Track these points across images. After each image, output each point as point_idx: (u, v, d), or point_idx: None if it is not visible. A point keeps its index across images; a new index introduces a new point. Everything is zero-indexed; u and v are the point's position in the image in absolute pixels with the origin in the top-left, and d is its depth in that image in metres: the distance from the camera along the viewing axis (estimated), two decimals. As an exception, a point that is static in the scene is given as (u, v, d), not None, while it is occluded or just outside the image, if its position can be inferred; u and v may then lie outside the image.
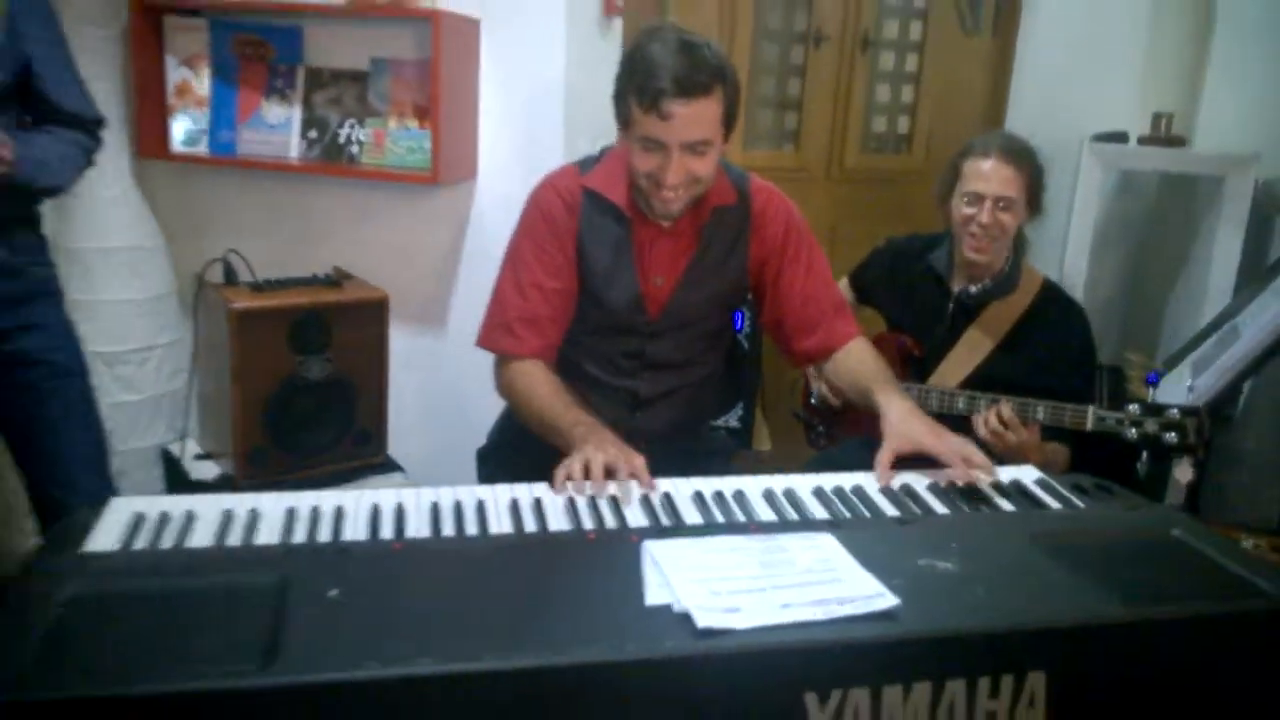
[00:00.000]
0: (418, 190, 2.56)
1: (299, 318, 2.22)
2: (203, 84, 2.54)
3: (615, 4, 2.67)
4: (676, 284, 1.79)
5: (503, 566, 1.16)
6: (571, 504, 1.37)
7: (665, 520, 1.35)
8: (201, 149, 2.56)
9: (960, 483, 1.49)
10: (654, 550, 1.17)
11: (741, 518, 1.37)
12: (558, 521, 1.33)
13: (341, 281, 2.38)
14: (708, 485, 1.46)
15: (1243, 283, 2.61)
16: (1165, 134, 2.72)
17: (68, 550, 1.16)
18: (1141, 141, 2.76)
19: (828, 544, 1.23)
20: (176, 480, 2.45)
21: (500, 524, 1.31)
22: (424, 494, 1.37)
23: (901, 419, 1.59)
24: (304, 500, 1.32)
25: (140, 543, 1.20)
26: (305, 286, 2.32)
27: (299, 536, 1.24)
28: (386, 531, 1.26)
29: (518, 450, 1.88)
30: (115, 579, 1.08)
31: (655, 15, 2.92)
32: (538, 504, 1.36)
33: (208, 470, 2.39)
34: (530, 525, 1.31)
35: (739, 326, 2.21)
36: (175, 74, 2.53)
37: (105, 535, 1.20)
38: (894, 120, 3.28)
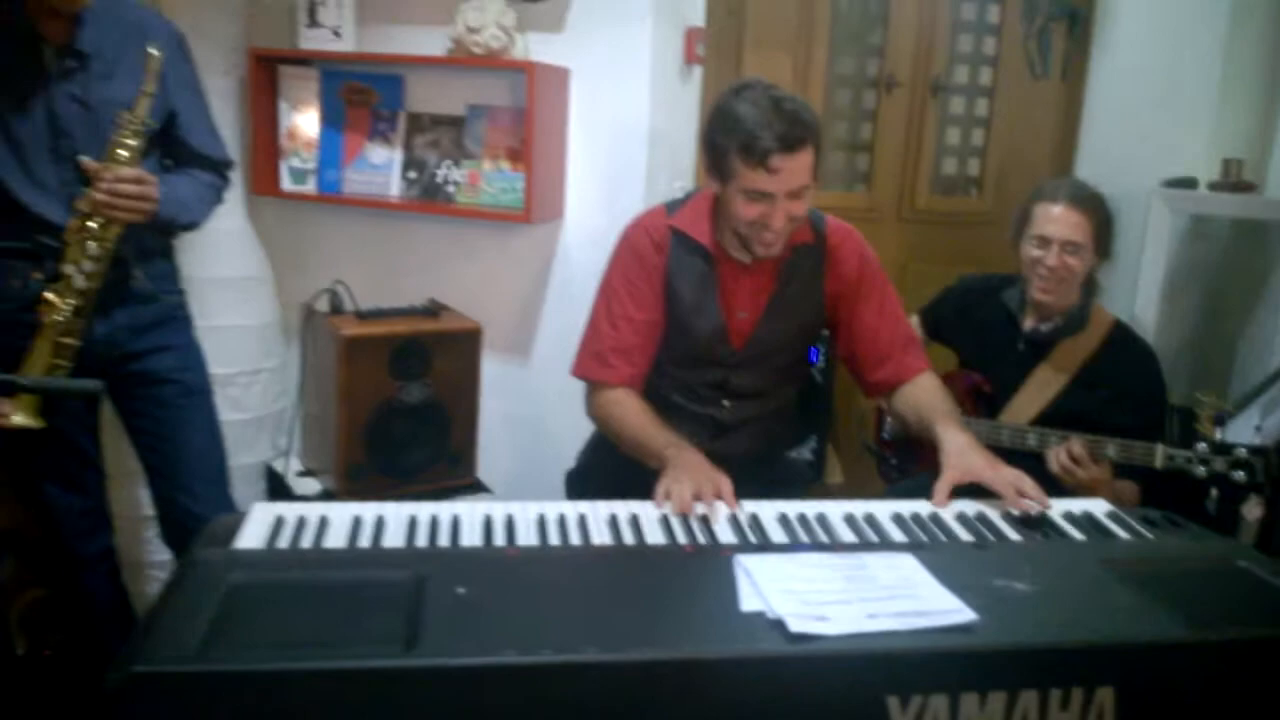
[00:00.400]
0: (509, 227, 2.71)
1: (401, 345, 2.38)
2: (312, 127, 2.73)
3: (695, 53, 2.81)
4: (758, 318, 1.91)
5: (607, 572, 1.28)
6: (666, 520, 1.48)
7: (753, 538, 1.45)
8: (309, 187, 2.74)
9: (1015, 513, 1.57)
10: (746, 563, 1.28)
11: (824, 538, 1.46)
12: (654, 536, 1.44)
13: (438, 312, 2.53)
14: (791, 508, 1.56)
15: (1313, 327, 2.64)
16: (1235, 180, 2.77)
17: (221, 547, 1.29)
18: (1211, 188, 2.81)
19: (908, 564, 1.32)
20: (279, 494, 2.60)
21: (601, 536, 1.42)
22: (530, 507, 1.49)
23: (960, 451, 1.68)
24: (423, 510, 1.45)
25: (282, 542, 1.34)
26: (405, 316, 2.47)
27: (421, 541, 1.37)
28: (499, 539, 1.39)
29: (606, 473, 2.01)
30: (267, 571, 1.21)
31: (733, 64, 3.06)
32: (634, 519, 1.48)
33: (309, 486, 2.54)
34: (629, 538, 1.42)
35: (814, 360, 2.31)
36: (287, 118, 2.72)
37: (252, 535, 1.34)
38: (964, 163, 3.37)
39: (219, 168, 2.09)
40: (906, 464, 2.56)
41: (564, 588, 1.23)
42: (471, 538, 1.39)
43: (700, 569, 1.30)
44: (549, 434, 2.70)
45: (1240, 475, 1.85)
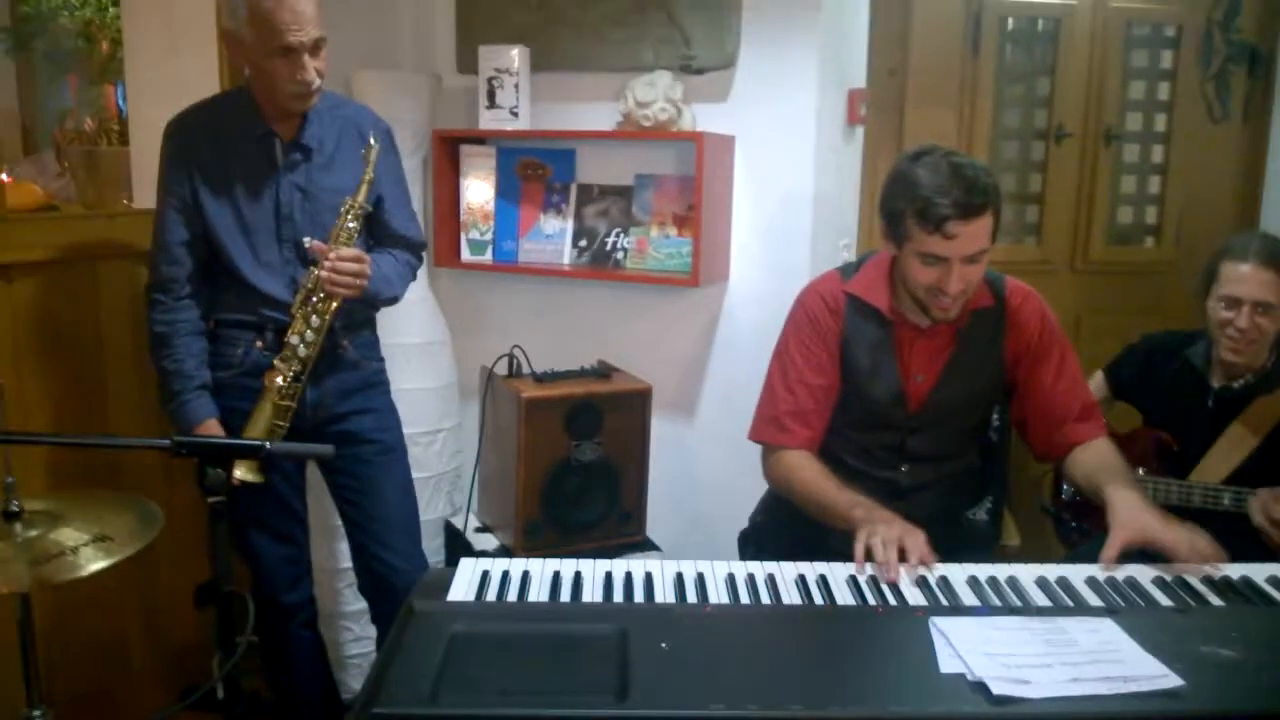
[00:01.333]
0: (675, 291, 2.79)
1: (575, 406, 2.47)
2: (490, 201, 2.90)
3: (858, 114, 2.85)
4: (936, 381, 1.91)
5: (802, 631, 1.31)
6: (854, 581, 1.50)
7: (944, 600, 1.45)
8: (486, 258, 2.91)
9: (1215, 577, 1.51)
10: (942, 625, 1.28)
11: (1017, 601, 1.45)
12: (843, 596, 1.46)
13: (609, 374, 2.63)
14: (981, 570, 1.55)
15: None
16: None
17: (437, 599, 1.39)
18: None
19: (1108, 628, 1.29)
20: (458, 549, 2.73)
21: (791, 595, 1.45)
22: (718, 566, 1.53)
23: (1130, 509, 1.63)
24: (618, 566, 1.51)
25: (489, 595, 1.42)
26: (578, 378, 2.57)
27: (618, 596, 1.43)
28: (691, 596, 1.43)
29: (780, 532, 2.03)
30: (483, 623, 1.29)
31: (896, 122, 3.08)
32: (822, 580, 1.50)
33: (487, 542, 2.66)
34: (819, 598, 1.45)
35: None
36: (467, 194, 2.90)
37: (461, 587, 1.44)
38: (1140, 211, 3.27)
39: (415, 248, 2.25)
40: (1086, 526, 2.48)
41: (762, 645, 1.26)
42: (665, 594, 1.44)
43: (894, 630, 1.31)
44: (715, 493, 2.74)
45: None
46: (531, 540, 2.49)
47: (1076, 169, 3.19)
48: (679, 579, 1.48)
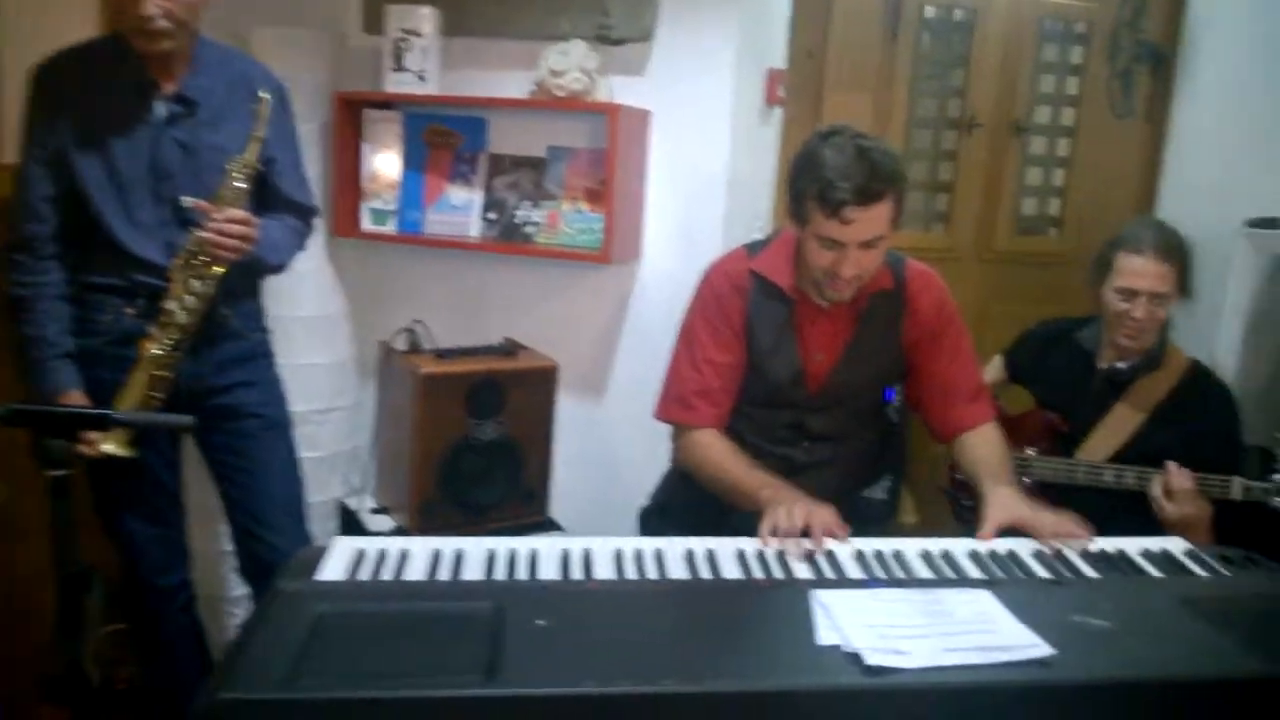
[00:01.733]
0: (586, 268, 2.75)
1: (476, 383, 2.42)
2: (394, 170, 2.82)
3: (777, 95, 2.85)
4: (835, 362, 1.92)
5: (684, 606, 1.29)
6: (741, 555, 1.49)
7: (830, 574, 1.45)
8: (390, 228, 2.82)
9: (1093, 550, 1.56)
10: (823, 597, 1.28)
11: (901, 574, 1.46)
12: (730, 570, 1.44)
13: (515, 351, 2.58)
14: (868, 544, 1.55)
15: None
16: (1325, 219, 2.69)
17: (305, 578, 1.33)
18: (1299, 227, 2.73)
19: (985, 599, 1.31)
20: (353, 531, 2.65)
21: (678, 570, 1.43)
22: (607, 542, 1.51)
23: (1005, 500, 1.70)
24: (501, 544, 1.48)
25: (363, 575, 1.37)
26: (481, 355, 2.52)
27: (500, 574, 1.39)
28: (576, 573, 1.40)
29: (681, 510, 2.02)
30: (351, 602, 1.25)
31: (813, 105, 3.08)
32: (710, 555, 1.49)
33: (383, 523, 2.59)
34: (705, 573, 1.43)
35: (889, 399, 2.30)
36: (370, 161, 2.81)
37: (334, 567, 1.38)
38: (1045, 203, 3.33)
39: (306, 215, 2.16)
40: (980, 506, 2.52)
41: (641, 620, 1.24)
42: (549, 571, 1.41)
43: (777, 603, 1.31)
44: (622, 473, 2.72)
45: (1317, 510, 1.80)
46: (428, 522, 2.43)
47: (986, 159, 3.23)
48: (564, 555, 1.45)
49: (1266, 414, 3.03)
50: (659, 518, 2.10)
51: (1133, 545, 1.60)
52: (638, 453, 2.58)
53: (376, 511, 2.67)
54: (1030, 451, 2.36)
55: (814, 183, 1.70)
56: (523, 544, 1.48)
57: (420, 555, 1.43)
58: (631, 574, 1.41)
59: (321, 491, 2.80)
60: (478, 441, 2.45)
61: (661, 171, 2.71)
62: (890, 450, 2.66)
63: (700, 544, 1.52)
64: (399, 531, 2.53)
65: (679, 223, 2.71)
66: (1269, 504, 1.87)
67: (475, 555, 1.44)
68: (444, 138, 2.81)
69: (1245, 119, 2.97)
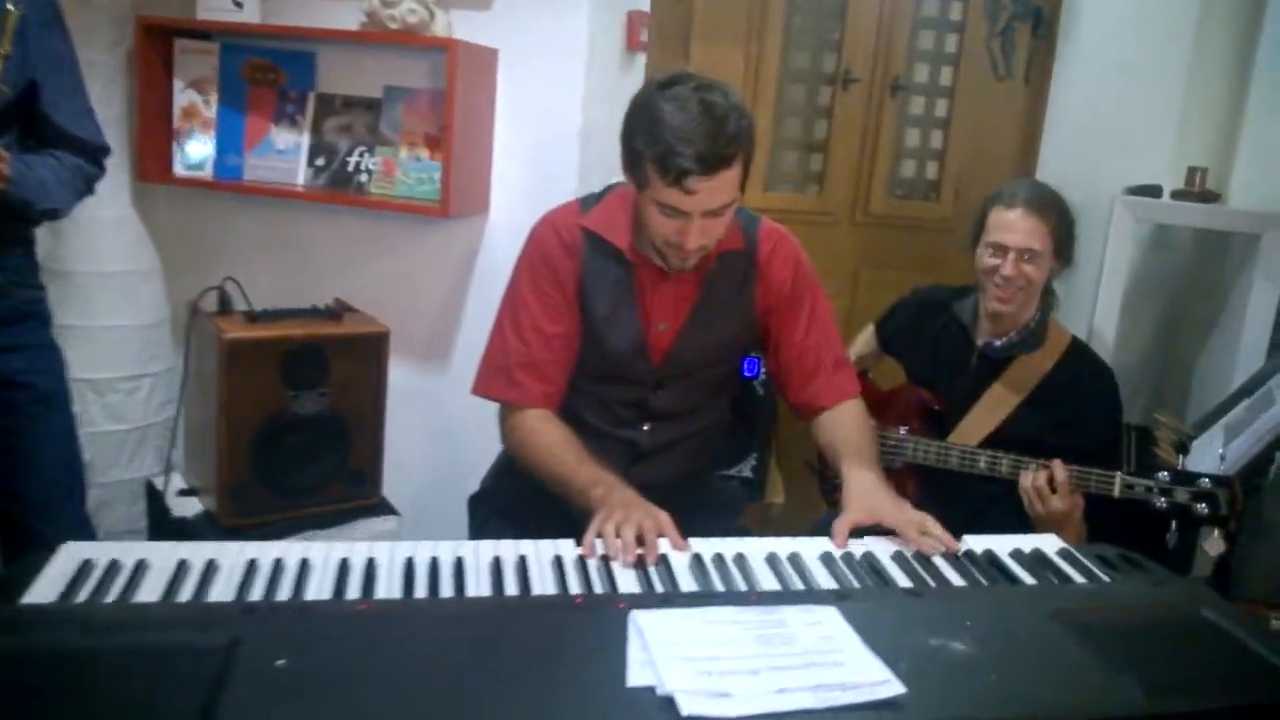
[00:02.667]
0: (426, 222, 2.49)
1: (293, 350, 2.14)
2: (210, 108, 2.49)
3: (638, 39, 2.61)
4: (680, 330, 1.70)
5: (476, 635, 1.06)
6: (559, 564, 1.27)
7: (659, 586, 1.25)
8: (206, 174, 2.50)
9: (927, 552, 1.40)
10: (641, 621, 1.07)
11: (742, 585, 1.26)
12: (542, 584, 1.22)
13: (342, 314, 2.30)
14: (707, 547, 1.35)
15: (1277, 344, 2.49)
16: (1199, 189, 2.62)
17: (4, 601, 1.06)
18: (1175, 196, 2.66)
19: (831, 619, 1.12)
20: (158, 516, 2.36)
21: (479, 585, 1.20)
22: (399, 549, 1.27)
23: (864, 491, 1.52)
24: (268, 552, 1.23)
25: (82, 593, 1.11)
26: (303, 318, 2.24)
27: (256, 593, 1.14)
28: (353, 590, 1.16)
29: (511, 497, 1.79)
30: (49, 635, 0.98)
31: (680, 54, 2.86)
32: (522, 563, 1.26)
33: (190, 506, 2.29)
34: (512, 587, 1.21)
35: (754, 373, 2.12)
36: (182, 97, 2.48)
37: (48, 585, 1.11)
38: (922, 166, 3.19)
39: (92, 153, 1.85)
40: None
41: (418, 652, 1.01)
42: (320, 588, 1.16)
43: (589, 627, 1.09)
44: (465, 450, 2.46)
45: (1202, 508, 1.68)
46: (239, 506, 2.16)
47: (862, 118, 3.07)
48: (342, 567, 1.21)
49: (1145, 389, 2.99)
50: (488, 506, 1.87)
51: (1003, 544, 1.44)
52: (483, 428, 2.33)
53: (184, 493, 2.37)
54: (902, 430, 2.22)
55: (652, 145, 1.47)
56: (294, 552, 1.23)
57: (160, 568, 1.17)
58: (421, 590, 1.18)
59: (128, 469, 2.51)
60: (296, 416, 2.18)
61: (510, 117, 2.46)
62: (756, 426, 2.50)
63: (513, 549, 1.30)
64: (206, 517, 2.24)
65: (530, 174, 2.47)
66: (1152, 504, 1.74)
67: (232, 569, 1.19)
68: (266, 74, 2.50)
69: (1125, 84, 2.89)
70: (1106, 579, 1.33)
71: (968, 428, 2.14)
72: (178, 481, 2.42)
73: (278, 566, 1.19)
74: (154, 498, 2.42)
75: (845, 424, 1.71)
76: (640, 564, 1.29)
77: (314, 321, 2.23)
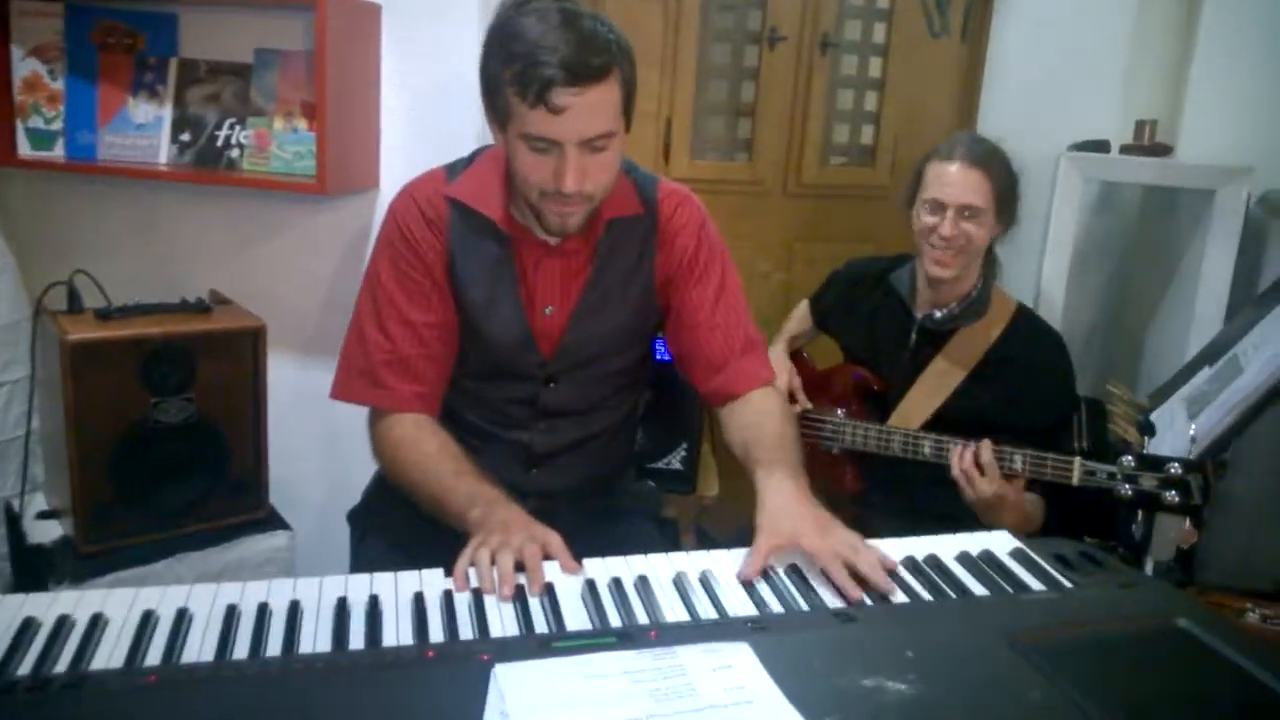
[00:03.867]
0: (308, 201, 2.24)
1: (153, 351, 1.88)
2: (56, 79, 2.21)
3: (539, -8, 2.37)
4: (571, 314, 1.48)
5: (293, 707, 0.83)
6: (419, 604, 1.04)
7: (541, 624, 1.03)
8: (56, 154, 2.22)
9: (851, 599, 1.12)
10: (504, 679, 0.85)
11: (643, 618, 1.05)
12: (396, 630, 1.00)
13: (213, 308, 2.05)
14: (605, 571, 1.14)
15: (1235, 306, 2.34)
16: (1149, 142, 2.45)
17: None
18: (1124, 151, 2.49)
19: (743, 661, 0.92)
20: (18, 542, 2.09)
21: (316, 637, 0.98)
22: (224, 591, 1.04)
23: (781, 508, 1.26)
24: (54, 607, 0.98)
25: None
26: (166, 314, 1.98)
27: (24, 665, 0.90)
28: (154, 652, 0.93)
29: (393, 511, 1.57)
30: None
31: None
32: (373, 607, 1.03)
33: (49, 531, 2.03)
34: (357, 637, 0.98)
35: (665, 356, 1.91)
36: (22, 67, 2.19)
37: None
38: (857, 130, 3.00)
39: None
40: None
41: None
42: (113, 651, 0.93)
43: (441, 687, 0.87)
44: (362, 453, 2.23)
45: (1172, 496, 1.50)
46: (101, 530, 1.91)
47: (791, 79, 2.85)
48: (145, 622, 0.97)
49: (1093, 359, 2.83)
50: (367, 521, 1.64)
51: (949, 546, 1.25)
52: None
53: (43, 516, 2.11)
54: (840, 413, 2.03)
55: (509, 62, 1.26)
56: (88, 603, 1.00)
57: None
58: (241, 649, 0.95)
59: (-17, 489, 2.22)
60: (161, 425, 1.92)
61: (399, 80, 2.21)
62: (685, 413, 2.30)
63: (364, 587, 1.07)
64: (65, 543, 1.98)
65: (424, 143, 2.22)
66: (1116, 493, 1.55)
67: (7, 625, 0.95)
68: (120, 38, 2.22)
69: (1067, 36, 2.74)
70: (1067, 583, 1.14)
71: (910, 408, 1.96)
72: (40, 502, 2.16)
73: (62, 625, 0.96)
74: (13, 521, 2.15)
75: (759, 417, 1.48)
76: (521, 596, 1.07)
77: (177, 318, 1.97)
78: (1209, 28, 2.55)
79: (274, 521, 2.12)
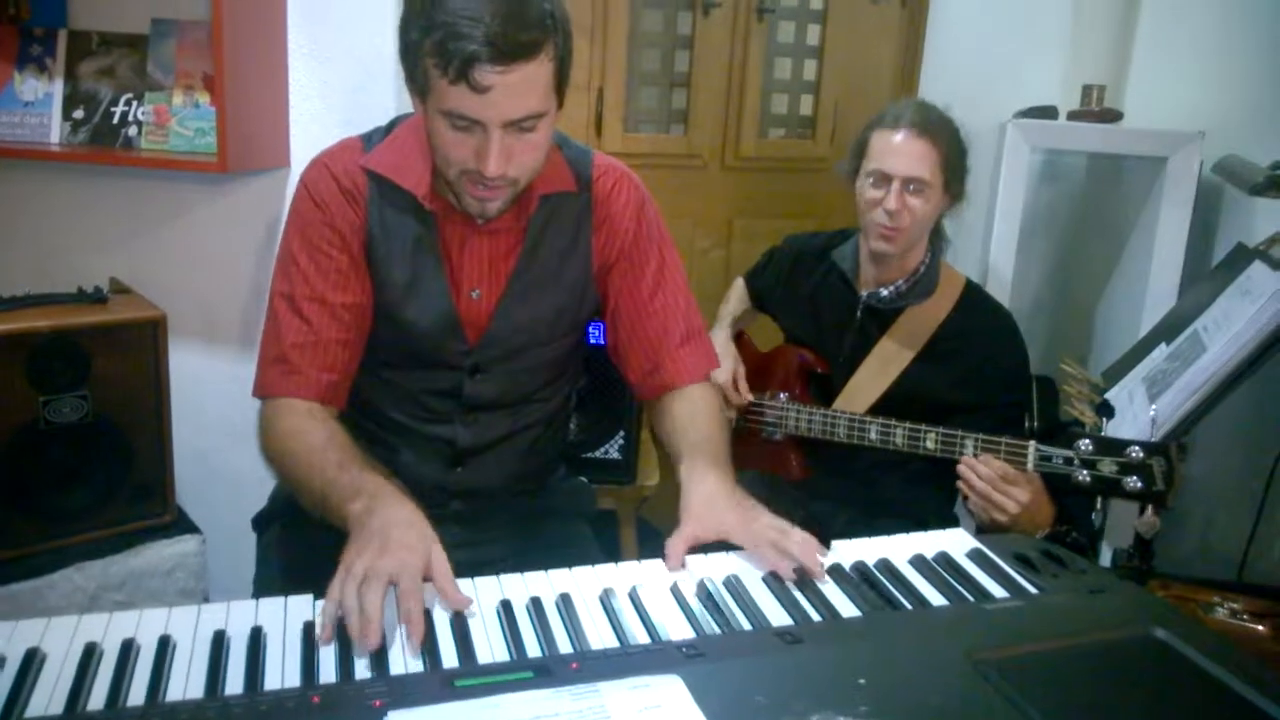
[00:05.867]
0: (213, 180, 2.08)
1: (40, 345, 1.73)
2: (-67, 52, 2.03)
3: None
4: (499, 298, 1.35)
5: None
6: (308, 637, 0.92)
7: (449, 657, 0.91)
8: (-65, 134, 2.04)
9: (786, 578, 1.08)
10: (401, 731, 0.74)
11: (565, 644, 0.94)
12: (279, 669, 0.88)
13: (110, 298, 1.89)
14: (521, 589, 1.03)
15: (1189, 279, 2.28)
16: (1098, 108, 2.38)
17: None
18: (1072, 117, 2.42)
19: (674, 696, 0.81)
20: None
21: (188, 680, 0.85)
22: (86, 627, 0.91)
23: (706, 498, 1.21)
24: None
25: None
26: (58, 305, 1.82)
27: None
28: (-7, 704, 0.80)
29: (299, 514, 1.43)
30: None
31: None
32: (254, 639, 0.91)
33: (-62, 542, 1.87)
34: (236, 679, 0.86)
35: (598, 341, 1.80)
36: (-107, 39, 2.01)
37: None
38: (795, 100, 2.89)
39: None
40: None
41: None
42: None
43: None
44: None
45: (1134, 483, 1.42)
46: (-3, 540, 1.75)
47: (727, 47, 2.74)
48: (29, 662, 0.84)
49: (1042, 333, 2.77)
50: (274, 527, 1.51)
51: (901, 548, 1.15)
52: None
53: (-70, 526, 1.94)
54: (783, 397, 1.94)
55: (429, 31, 1.13)
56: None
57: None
58: (97, 699, 0.82)
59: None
60: (52, 425, 1.78)
61: (307, 49, 2.06)
62: (622, 400, 2.19)
63: (247, 616, 0.95)
64: (-47, 556, 1.82)
65: (337, 116, 2.09)
66: (1073, 479, 1.46)
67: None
68: (3, 8, 2.04)
69: (1009, 1, 2.64)
70: (1032, 589, 1.05)
71: (856, 391, 1.87)
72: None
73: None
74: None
75: (690, 411, 1.38)
76: (428, 622, 0.96)
77: (68, 309, 1.82)
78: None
79: (182, 525, 1.98)
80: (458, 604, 0.99)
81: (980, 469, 1.57)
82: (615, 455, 2.26)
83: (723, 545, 1.16)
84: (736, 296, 2.14)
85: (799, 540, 1.11)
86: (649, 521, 2.36)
